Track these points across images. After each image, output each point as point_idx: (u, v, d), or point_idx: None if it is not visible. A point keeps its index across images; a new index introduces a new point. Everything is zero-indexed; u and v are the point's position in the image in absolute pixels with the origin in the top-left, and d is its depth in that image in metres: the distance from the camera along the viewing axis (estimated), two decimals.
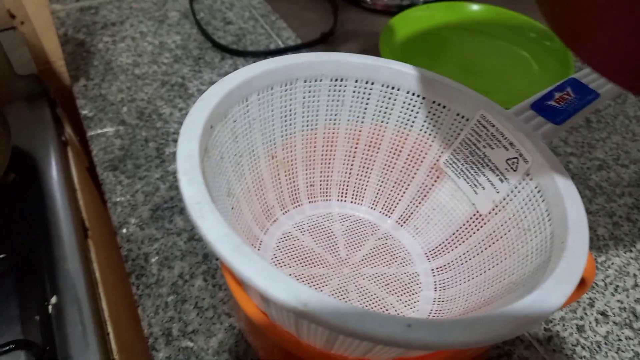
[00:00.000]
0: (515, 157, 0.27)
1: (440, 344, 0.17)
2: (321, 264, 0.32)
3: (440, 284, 0.31)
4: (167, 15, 0.63)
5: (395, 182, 0.34)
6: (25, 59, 0.59)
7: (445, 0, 0.62)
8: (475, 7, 0.60)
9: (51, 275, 0.44)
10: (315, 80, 0.31)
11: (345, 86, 0.31)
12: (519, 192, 0.28)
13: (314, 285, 0.31)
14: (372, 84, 0.31)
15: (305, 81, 0.31)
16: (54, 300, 0.43)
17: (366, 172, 0.35)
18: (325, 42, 0.60)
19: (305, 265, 0.32)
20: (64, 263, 0.45)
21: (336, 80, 0.31)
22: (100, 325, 0.42)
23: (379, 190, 0.35)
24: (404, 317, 0.18)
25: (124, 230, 0.42)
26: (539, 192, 0.26)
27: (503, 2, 0.61)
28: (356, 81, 0.31)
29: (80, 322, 0.42)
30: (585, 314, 0.37)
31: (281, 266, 0.31)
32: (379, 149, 0.34)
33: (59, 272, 0.45)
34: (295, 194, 0.34)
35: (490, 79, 0.52)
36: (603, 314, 0.37)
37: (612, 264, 0.40)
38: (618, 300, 0.38)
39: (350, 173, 0.35)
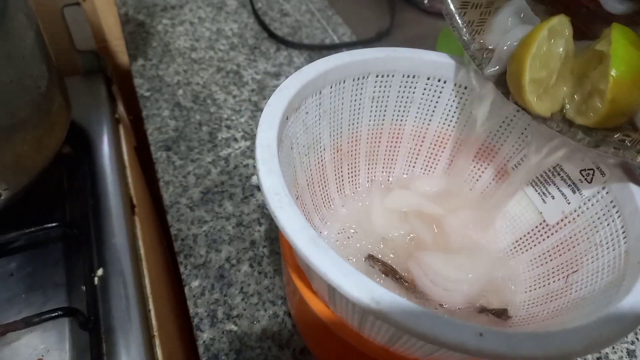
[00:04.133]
0: (591, 169, 0.27)
1: (513, 356, 0.17)
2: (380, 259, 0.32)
3: (501, 291, 0.30)
4: (225, 3, 0.64)
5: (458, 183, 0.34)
6: (86, 35, 0.60)
7: None
8: None
9: (99, 248, 0.45)
10: (387, 76, 0.31)
11: (417, 83, 0.31)
12: (592, 205, 0.27)
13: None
14: (445, 82, 0.31)
15: (377, 76, 0.30)
16: (100, 272, 0.43)
17: (429, 171, 0.34)
18: (380, 41, 0.59)
19: (362, 260, 0.32)
20: (111, 237, 0.46)
21: (408, 76, 0.31)
22: (142, 301, 0.43)
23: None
24: (476, 325, 0.17)
25: (175, 210, 0.42)
26: (614, 207, 0.26)
27: None
28: (428, 79, 0.31)
29: (125, 296, 0.42)
30: (637, 338, 0.36)
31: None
32: (444, 148, 0.33)
33: (106, 245, 0.45)
34: (356, 188, 0.34)
35: None
36: None
37: None
38: None
39: (412, 171, 0.34)
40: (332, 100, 0.30)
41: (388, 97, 0.32)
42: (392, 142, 0.34)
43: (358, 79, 0.30)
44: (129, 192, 0.53)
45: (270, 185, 0.20)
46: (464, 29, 0.27)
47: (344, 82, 0.29)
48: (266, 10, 0.63)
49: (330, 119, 0.30)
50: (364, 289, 0.17)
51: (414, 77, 0.31)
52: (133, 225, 0.49)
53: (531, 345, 0.17)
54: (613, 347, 0.35)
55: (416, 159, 0.34)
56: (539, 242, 0.29)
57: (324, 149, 0.31)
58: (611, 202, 0.26)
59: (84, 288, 0.42)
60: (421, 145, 0.34)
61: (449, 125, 0.33)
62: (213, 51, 0.57)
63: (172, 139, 0.47)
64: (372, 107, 0.32)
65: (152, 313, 0.44)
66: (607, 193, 0.26)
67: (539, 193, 0.30)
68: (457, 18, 0.27)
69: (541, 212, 0.30)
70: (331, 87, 0.29)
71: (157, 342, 0.42)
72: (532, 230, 0.30)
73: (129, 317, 0.41)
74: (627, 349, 0.35)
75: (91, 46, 0.61)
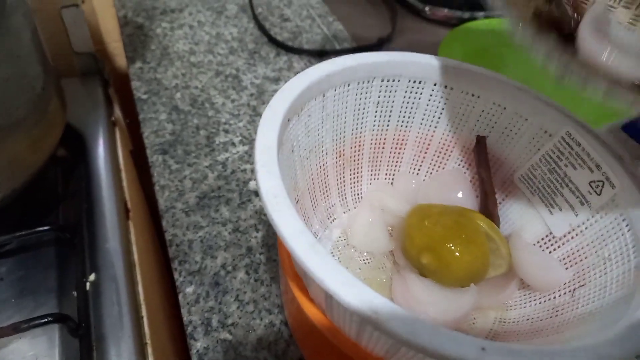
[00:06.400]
0: (601, 181, 0.26)
1: None
2: (380, 268, 0.31)
3: (504, 303, 0.29)
4: (225, 7, 0.63)
5: None
6: (83, 36, 0.59)
7: None
8: None
9: (91, 253, 0.44)
10: (393, 80, 0.30)
11: (423, 88, 0.30)
12: (600, 217, 0.26)
13: None
14: (452, 89, 0.30)
15: (382, 80, 0.30)
16: (92, 277, 0.42)
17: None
18: (381, 47, 0.59)
19: (364, 268, 0.31)
20: (105, 241, 0.45)
21: (414, 82, 0.30)
22: (135, 307, 0.42)
23: None
24: (478, 339, 0.16)
25: (170, 215, 0.41)
26: (624, 220, 0.25)
27: None
28: (435, 84, 0.30)
29: (117, 302, 0.41)
30: None
31: None
32: (449, 156, 0.33)
33: (99, 249, 0.44)
34: (358, 194, 0.33)
35: (556, 101, 0.50)
36: None
37: None
38: None
39: (417, 178, 0.34)
40: (336, 103, 0.29)
41: (393, 102, 0.31)
42: (396, 148, 0.33)
43: (363, 82, 0.29)
44: (124, 196, 0.52)
45: (268, 187, 0.20)
46: None
47: (349, 86, 0.29)
48: (266, 15, 0.63)
49: (334, 122, 0.30)
50: (362, 298, 0.17)
51: (420, 82, 0.30)
52: (127, 230, 0.48)
53: None
54: None
55: (420, 166, 0.34)
56: None
57: (326, 154, 0.30)
58: (621, 215, 0.25)
59: (75, 293, 0.41)
60: (426, 152, 0.33)
61: (454, 133, 0.32)
62: (212, 55, 0.56)
63: (169, 143, 0.46)
64: (376, 111, 0.31)
65: (145, 320, 0.43)
66: (616, 206, 0.25)
67: (545, 204, 0.29)
68: None
69: (548, 224, 0.29)
70: (335, 90, 0.28)
71: (149, 350, 0.41)
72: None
73: (121, 324, 0.40)
74: None
75: (89, 48, 0.60)
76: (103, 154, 0.53)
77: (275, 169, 0.21)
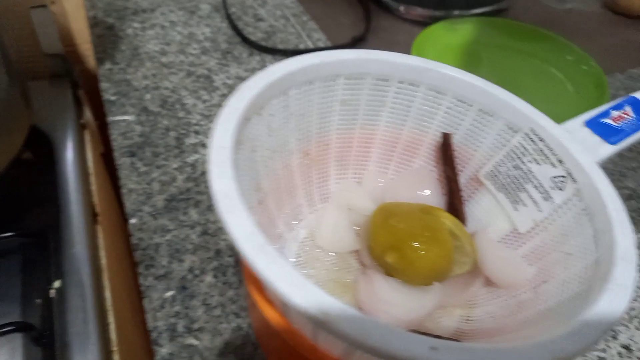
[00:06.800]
0: (563, 176, 0.26)
1: None
2: (346, 269, 0.30)
3: (469, 301, 0.29)
4: (198, 7, 0.63)
5: None
6: (53, 38, 0.58)
7: (481, 15, 0.61)
8: (511, 24, 0.59)
9: (57, 259, 0.43)
10: (358, 79, 0.29)
11: (388, 86, 0.30)
12: (564, 213, 0.26)
13: (334, 292, 0.29)
14: (417, 86, 0.30)
15: (347, 78, 0.29)
16: (57, 284, 0.41)
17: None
18: (355, 47, 0.58)
19: (330, 269, 0.30)
20: (71, 247, 0.44)
21: (379, 79, 0.30)
22: (102, 314, 0.41)
23: None
24: (430, 338, 0.16)
25: (136, 219, 0.40)
26: (586, 215, 0.25)
27: (540, 22, 0.59)
28: (400, 82, 0.30)
29: (83, 309, 0.40)
30: (608, 346, 0.35)
31: (303, 267, 0.30)
32: (417, 154, 0.32)
33: (65, 256, 0.43)
34: (326, 194, 0.33)
35: (523, 99, 0.51)
36: (627, 348, 0.35)
37: (639, 297, 0.38)
38: None
39: (385, 177, 0.33)
40: (300, 102, 0.28)
41: (359, 100, 0.31)
42: (363, 147, 0.33)
43: (328, 81, 0.29)
44: (92, 200, 0.50)
45: (220, 188, 0.19)
46: None
47: (313, 84, 0.28)
48: (240, 15, 0.62)
49: (298, 122, 0.29)
50: (311, 300, 0.16)
51: (386, 80, 0.30)
52: (95, 234, 0.47)
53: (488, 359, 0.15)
54: (584, 356, 0.34)
55: (388, 164, 0.33)
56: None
57: (291, 153, 0.30)
58: (583, 209, 0.25)
59: (39, 301, 0.40)
60: (393, 151, 0.33)
61: (421, 131, 0.32)
62: (184, 55, 0.55)
63: (138, 145, 0.46)
64: (342, 110, 0.31)
65: (113, 327, 0.42)
66: (579, 201, 0.25)
67: (510, 200, 0.29)
68: None
69: (513, 220, 0.29)
70: (299, 89, 0.28)
71: (116, 357, 0.40)
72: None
73: (86, 331, 0.39)
74: (599, 356, 0.34)
75: (58, 49, 0.58)
76: (71, 157, 0.52)
77: (228, 170, 0.20)
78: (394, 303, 0.26)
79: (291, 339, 0.22)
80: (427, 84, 0.30)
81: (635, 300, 0.38)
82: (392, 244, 0.27)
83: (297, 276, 0.17)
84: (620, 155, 0.50)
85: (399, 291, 0.26)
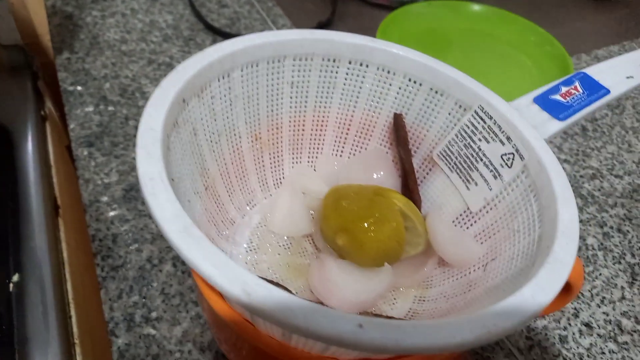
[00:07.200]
0: (512, 153, 0.26)
1: (395, 348, 0.15)
2: (300, 253, 0.30)
3: (424, 282, 0.29)
4: None
5: None
6: (10, 28, 0.56)
7: None
8: (476, 7, 0.59)
9: (15, 252, 0.42)
10: (306, 59, 0.29)
11: (338, 67, 0.30)
12: (512, 190, 0.26)
13: (288, 276, 0.29)
14: (367, 66, 0.29)
15: (294, 59, 0.29)
16: (16, 278, 0.40)
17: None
18: None
19: (283, 253, 0.30)
20: (30, 240, 0.43)
21: (328, 60, 0.29)
22: (63, 307, 0.40)
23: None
24: (357, 316, 0.16)
25: (94, 209, 0.39)
26: (532, 191, 0.25)
27: (505, 4, 0.59)
28: (350, 62, 0.29)
29: (42, 302, 0.39)
30: (569, 324, 0.35)
31: (255, 252, 0.29)
32: (371, 136, 0.32)
33: (24, 249, 0.42)
34: (279, 179, 0.32)
35: (487, 81, 0.50)
36: (588, 325, 0.35)
37: (600, 274, 0.38)
38: (604, 312, 0.36)
39: (339, 160, 0.33)
40: (245, 84, 0.28)
41: (309, 82, 0.30)
42: (316, 130, 0.32)
43: (273, 62, 0.28)
44: (53, 192, 0.49)
45: (145, 170, 0.18)
46: None
47: (257, 66, 0.28)
48: (203, 1, 0.61)
49: (245, 104, 0.28)
50: (235, 281, 0.16)
51: (334, 60, 0.29)
52: (56, 227, 0.46)
53: (416, 335, 0.15)
54: (545, 334, 0.34)
55: (343, 147, 0.33)
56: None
57: (240, 137, 0.29)
58: (529, 186, 0.25)
59: None
60: (347, 133, 0.32)
61: (374, 112, 0.31)
62: (145, 43, 0.54)
63: (96, 135, 0.45)
64: (292, 93, 0.30)
65: (74, 319, 0.41)
66: (526, 177, 0.25)
67: (463, 180, 0.29)
68: None
69: (465, 200, 0.29)
70: (242, 70, 0.27)
71: (77, 350, 0.39)
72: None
73: (46, 325, 0.38)
74: (560, 334, 0.34)
75: (16, 40, 0.57)
76: (31, 149, 0.51)
77: (156, 152, 0.19)
78: (344, 286, 0.25)
79: (235, 324, 0.21)
80: (377, 63, 0.29)
81: (596, 278, 0.38)
82: (342, 226, 0.27)
83: (221, 256, 0.17)
84: (584, 135, 0.50)
85: (349, 273, 0.26)
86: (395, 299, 0.28)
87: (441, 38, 0.57)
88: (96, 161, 0.42)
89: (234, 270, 0.16)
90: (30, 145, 0.51)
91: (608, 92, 0.27)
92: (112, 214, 0.39)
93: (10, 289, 0.40)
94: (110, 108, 0.47)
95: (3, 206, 0.45)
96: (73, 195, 0.55)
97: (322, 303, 0.26)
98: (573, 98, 0.27)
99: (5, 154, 0.50)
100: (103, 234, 0.38)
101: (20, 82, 0.57)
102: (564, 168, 0.46)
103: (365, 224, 0.26)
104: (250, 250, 0.29)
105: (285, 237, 0.30)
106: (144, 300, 0.34)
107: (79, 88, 0.48)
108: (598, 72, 0.28)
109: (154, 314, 0.33)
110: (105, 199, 0.40)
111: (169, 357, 0.31)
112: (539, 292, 0.18)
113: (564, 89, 0.28)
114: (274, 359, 0.22)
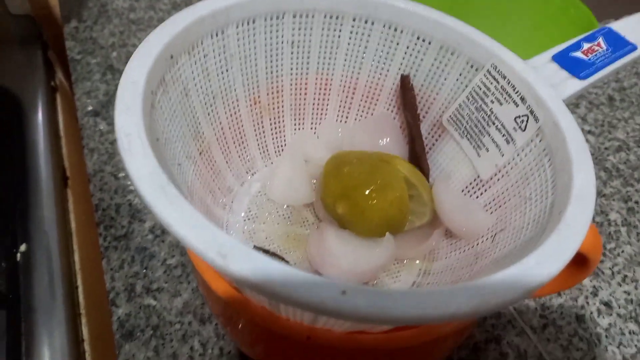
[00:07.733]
0: (526, 115, 0.24)
1: (382, 317, 0.14)
2: (300, 222, 0.29)
3: (429, 254, 0.27)
4: None
5: None
6: None
7: None
8: None
9: (23, 222, 0.42)
10: (307, 16, 0.27)
11: (341, 25, 0.28)
12: (525, 155, 0.24)
13: (286, 246, 0.28)
14: (373, 23, 0.27)
15: (294, 16, 0.27)
16: (23, 247, 0.40)
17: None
18: None
19: (282, 223, 0.29)
20: (38, 210, 0.43)
21: (331, 17, 0.27)
22: (69, 277, 0.40)
23: None
24: (341, 282, 0.14)
25: (98, 179, 0.39)
26: (546, 155, 0.23)
27: None
28: (354, 19, 0.27)
29: (49, 272, 0.39)
30: (587, 303, 0.33)
31: (253, 221, 0.28)
32: (377, 100, 0.30)
33: (32, 219, 0.42)
34: (281, 146, 0.31)
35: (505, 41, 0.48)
36: (607, 304, 0.33)
37: (622, 251, 0.36)
38: (625, 292, 0.34)
39: (345, 126, 0.31)
40: (241, 43, 0.26)
41: (310, 41, 0.28)
42: (319, 93, 0.30)
43: (271, 18, 0.26)
44: (62, 163, 0.49)
45: (122, 125, 0.17)
46: None
47: (254, 22, 0.26)
48: None
49: (242, 65, 0.27)
50: (210, 242, 0.14)
51: (337, 17, 0.27)
52: (64, 198, 0.46)
53: (403, 303, 0.14)
54: (561, 313, 0.32)
55: (348, 113, 0.31)
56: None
57: (237, 100, 0.28)
58: (544, 150, 0.23)
59: (3, 265, 0.39)
60: (352, 98, 0.31)
61: (380, 74, 0.29)
62: (153, 11, 0.53)
63: (102, 104, 0.44)
64: (292, 53, 0.28)
65: (80, 290, 0.41)
66: (540, 141, 0.23)
67: (473, 146, 0.27)
68: None
69: (475, 167, 0.27)
70: (237, 27, 0.25)
71: (83, 320, 0.39)
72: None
73: (53, 295, 0.38)
74: (576, 313, 0.33)
75: (26, 10, 0.56)
76: (41, 120, 0.50)
77: (136, 107, 0.18)
78: (341, 255, 0.24)
79: (223, 292, 0.20)
80: (383, 20, 0.27)
81: (618, 255, 0.36)
82: (342, 193, 0.25)
83: (199, 218, 0.15)
84: (610, 105, 0.47)
85: (347, 243, 0.25)
86: (398, 271, 0.27)
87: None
88: (101, 131, 0.42)
89: (210, 231, 0.15)
90: (40, 116, 0.51)
91: (635, 47, 0.25)
92: (115, 183, 0.38)
93: (18, 258, 0.40)
94: (117, 77, 0.46)
95: (12, 176, 0.45)
96: (82, 167, 0.55)
97: (319, 274, 0.25)
98: (596, 55, 0.25)
99: (15, 124, 0.50)
100: (106, 203, 0.37)
101: (30, 52, 0.57)
102: (587, 140, 0.44)
103: (367, 191, 0.24)
104: (249, 219, 0.28)
105: (286, 206, 0.29)
106: (145, 270, 0.34)
107: (87, 57, 0.48)
108: (624, 26, 0.26)
109: (155, 285, 0.33)
110: (109, 168, 0.39)
111: (168, 328, 0.31)
112: (545, 260, 0.16)
113: (586, 46, 0.25)
114: (268, 332, 0.21)
